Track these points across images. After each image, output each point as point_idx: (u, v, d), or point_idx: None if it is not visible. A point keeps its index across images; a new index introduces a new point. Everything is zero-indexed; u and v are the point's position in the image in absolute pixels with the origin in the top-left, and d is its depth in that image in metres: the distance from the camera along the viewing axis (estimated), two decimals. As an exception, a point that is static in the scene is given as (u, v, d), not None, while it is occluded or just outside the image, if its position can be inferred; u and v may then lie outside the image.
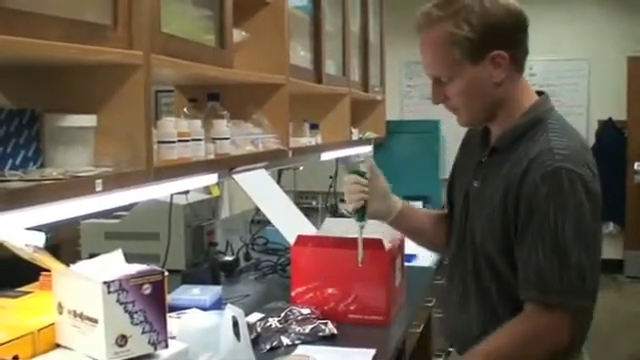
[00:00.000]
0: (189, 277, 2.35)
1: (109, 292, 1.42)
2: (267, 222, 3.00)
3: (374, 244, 2.28)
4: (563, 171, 1.54)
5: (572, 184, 1.54)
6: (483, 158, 1.74)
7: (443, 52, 1.62)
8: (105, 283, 1.42)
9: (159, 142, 1.81)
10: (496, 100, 1.67)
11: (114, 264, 1.56)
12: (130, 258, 1.60)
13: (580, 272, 1.55)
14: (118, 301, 1.43)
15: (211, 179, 2.10)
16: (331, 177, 4.18)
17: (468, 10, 1.58)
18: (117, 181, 1.58)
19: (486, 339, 1.67)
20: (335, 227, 2.58)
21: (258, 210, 3.26)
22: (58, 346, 1.55)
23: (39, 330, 1.52)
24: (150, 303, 1.47)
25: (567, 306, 1.58)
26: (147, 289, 1.47)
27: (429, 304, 3.03)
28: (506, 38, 1.61)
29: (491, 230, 1.67)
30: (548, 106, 1.72)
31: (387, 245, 2.30)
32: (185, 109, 2.16)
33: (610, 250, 6.55)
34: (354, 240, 2.31)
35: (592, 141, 6.72)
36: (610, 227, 6.82)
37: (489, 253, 1.69)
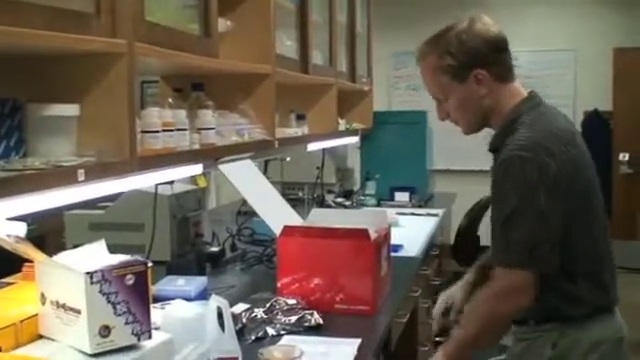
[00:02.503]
0: (174, 268, 2.34)
1: (92, 283, 1.41)
2: (254, 213, 2.99)
3: (359, 234, 2.28)
4: (515, 158, 1.80)
5: (522, 168, 1.79)
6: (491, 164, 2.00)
7: (435, 78, 1.99)
8: (88, 274, 1.41)
9: (143, 132, 1.80)
10: (486, 109, 1.97)
11: (97, 255, 1.54)
12: (115, 249, 1.59)
13: (527, 243, 1.80)
14: (101, 292, 1.42)
15: (196, 169, 2.09)
16: (318, 168, 4.18)
17: (448, 43, 1.94)
18: (100, 171, 1.57)
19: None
20: (321, 218, 2.58)
21: (245, 201, 3.25)
22: (41, 337, 1.54)
23: (21, 321, 1.51)
24: (133, 294, 1.46)
25: (522, 269, 1.81)
26: (130, 280, 1.46)
27: (415, 294, 3.04)
28: (483, 59, 1.93)
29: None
30: (530, 104, 1.95)
31: (373, 235, 2.29)
32: (170, 99, 2.15)
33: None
34: (340, 230, 2.32)
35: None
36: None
37: None
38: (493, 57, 1.94)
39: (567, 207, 1.83)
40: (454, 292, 2.31)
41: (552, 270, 1.83)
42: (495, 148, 1.94)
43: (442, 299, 2.33)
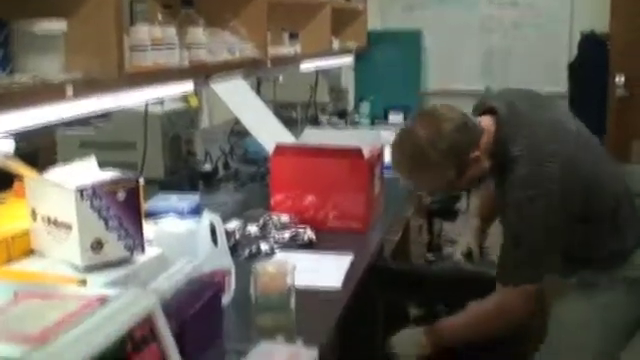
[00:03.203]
0: (167, 185, 2.34)
1: (82, 198, 1.41)
2: (246, 133, 2.98)
3: (353, 153, 2.28)
4: (524, 200, 1.87)
5: (530, 210, 1.86)
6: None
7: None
8: (78, 190, 1.41)
9: (132, 49, 1.77)
10: (458, 166, 1.96)
11: (88, 171, 1.54)
12: (107, 167, 1.58)
13: (537, 262, 1.91)
14: (92, 207, 1.42)
15: (186, 87, 2.07)
16: (311, 87, 4.15)
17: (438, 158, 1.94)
18: (88, 87, 1.56)
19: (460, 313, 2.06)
20: (314, 136, 2.57)
21: (237, 121, 3.23)
22: (33, 252, 1.55)
23: (13, 237, 1.52)
24: (125, 209, 1.47)
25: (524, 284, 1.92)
26: (121, 196, 1.46)
27: (407, 213, 3.06)
28: (463, 155, 1.93)
29: None
30: (506, 135, 1.94)
31: (366, 154, 2.29)
32: (159, 15, 2.11)
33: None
34: (333, 148, 2.31)
35: (574, 54, 6.68)
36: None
37: None
38: (469, 149, 1.94)
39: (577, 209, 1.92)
40: (470, 240, 2.47)
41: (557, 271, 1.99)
42: (495, 179, 2.06)
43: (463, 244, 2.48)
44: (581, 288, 2.05)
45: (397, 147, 1.99)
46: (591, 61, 6.59)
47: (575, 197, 1.90)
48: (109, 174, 1.51)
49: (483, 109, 2.03)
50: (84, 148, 2.51)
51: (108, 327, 1.01)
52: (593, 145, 2.05)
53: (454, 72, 6.14)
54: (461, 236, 2.59)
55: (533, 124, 1.95)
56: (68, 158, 1.64)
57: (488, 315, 2.01)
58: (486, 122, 1.99)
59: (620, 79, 6.77)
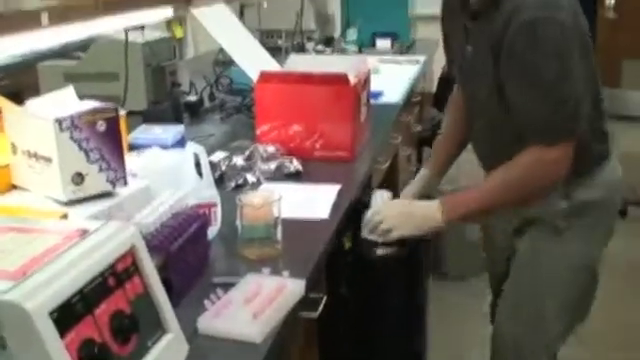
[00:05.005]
0: (150, 117, 2.29)
1: (61, 130, 1.37)
2: (232, 62, 2.92)
3: (339, 79, 2.23)
4: (538, 20, 1.66)
5: (546, 31, 1.66)
6: (468, 23, 1.86)
7: None
8: (57, 120, 1.37)
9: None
10: None
11: (66, 102, 1.50)
12: (90, 99, 1.54)
13: (574, 104, 1.73)
14: (72, 138, 1.38)
15: (166, 13, 2.01)
16: (297, 13, 4.06)
17: None
18: (64, 14, 1.51)
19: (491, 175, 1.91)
20: (300, 63, 2.52)
21: (222, 50, 3.16)
22: (15, 187, 1.52)
23: (-6, 171, 1.49)
24: (105, 141, 1.43)
25: (567, 138, 1.75)
26: (101, 126, 1.42)
27: (395, 141, 3.03)
28: None
29: (489, 89, 1.81)
30: None
31: (352, 80, 2.24)
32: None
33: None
34: (319, 75, 2.26)
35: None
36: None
37: (494, 111, 1.85)
38: None
39: (588, 60, 1.79)
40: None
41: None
42: (482, 8, 1.78)
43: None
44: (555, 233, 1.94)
45: None
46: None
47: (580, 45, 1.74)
48: (88, 104, 1.47)
49: None
50: (66, 80, 2.45)
51: (89, 260, 0.99)
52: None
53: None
54: None
55: None
56: (51, 91, 1.60)
57: (525, 174, 1.80)
58: None
59: (610, 1, 6.69)
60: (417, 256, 2.03)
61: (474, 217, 2.00)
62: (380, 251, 1.91)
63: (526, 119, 1.76)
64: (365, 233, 1.93)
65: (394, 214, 1.92)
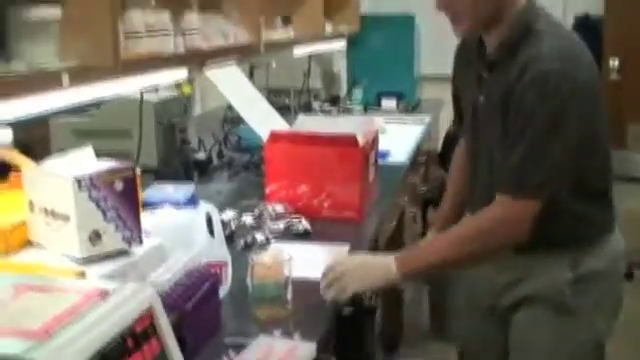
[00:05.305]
0: (162, 175, 2.32)
1: (80, 189, 1.39)
2: (239, 120, 2.96)
3: (348, 140, 2.27)
4: (551, 73, 1.61)
5: (559, 86, 1.61)
6: (484, 73, 1.82)
7: None
8: (76, 179, 1.39)
9: (126, 36, 1.75)
10: (497, 7, 1.73)
11: (84, 161, 1.52)
12: (102, 156, 1.57)
13: (554, 166, 1.66)
14: (90, 197, 1.40)
15: (181, 74, 2.05)
16: (304, 73, 4.13)
17: None
18: (84, 75, 1.54)
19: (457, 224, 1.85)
20: (308, 123, 2.56)
21: (230, 107, 3.21)
22: (31, 244, 1.54)
23: (11, 229, 1.50)
24: (122, 200, 1.45)
25: (533, 196, 1.68)
26: (119, 185, 1.45)
27: (402, 201, 3.06)
28: None
29: (498, 138, 1.75)
30: (535, 11, 1.76)
31: (361, 141, 2.28)
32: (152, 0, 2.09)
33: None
34: (328, 136, 2.30)
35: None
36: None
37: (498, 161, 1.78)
38: None
39: (594, 119, 1.74)
40: None
41: (562, 192, 1.74)
42: (500, 58, 1.76)
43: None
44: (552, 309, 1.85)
45: None
46: (585, 43, 6.58)
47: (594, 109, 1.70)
48: (106, 163, 1.50)
49: None
50: (77, 136, 2.49)
51: (109, 322, 1.00)
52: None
53: (449, 56, 6.11)
54: None
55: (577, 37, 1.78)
56: (62, 147, 1.63)
57: (484, 227, 1.74)
58: None
59: (614, 63, 6.77)
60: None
61: (435, 271, 1.92)
62: (346, 310, 1.81)
63: (504, 162, 1.72)
64: (322, 291, 1.73)
65: (349, 268, 1.76)
